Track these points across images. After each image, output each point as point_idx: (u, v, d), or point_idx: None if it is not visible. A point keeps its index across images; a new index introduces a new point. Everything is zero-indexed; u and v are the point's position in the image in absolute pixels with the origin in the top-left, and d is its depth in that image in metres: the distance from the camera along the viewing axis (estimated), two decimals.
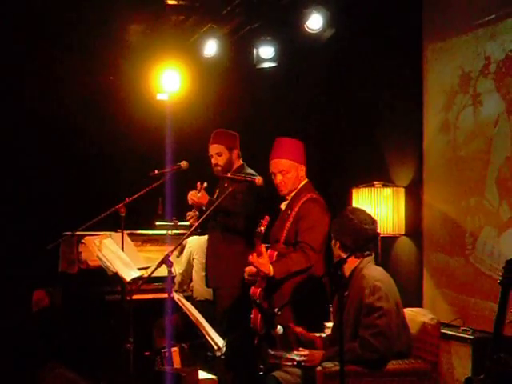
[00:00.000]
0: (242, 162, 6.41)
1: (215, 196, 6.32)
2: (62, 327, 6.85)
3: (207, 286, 6.42)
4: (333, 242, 4.94)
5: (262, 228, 5.33)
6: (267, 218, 5.41)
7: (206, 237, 6.79)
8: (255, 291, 5.43)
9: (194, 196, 6.15)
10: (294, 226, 5.47)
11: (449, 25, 6.22)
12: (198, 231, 6.64)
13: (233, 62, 7.82)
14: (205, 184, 6.18)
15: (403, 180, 6.64)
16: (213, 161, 6.35)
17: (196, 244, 6.78)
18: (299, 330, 5.01)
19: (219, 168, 6.31)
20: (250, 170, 6.30)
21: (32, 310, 7.15)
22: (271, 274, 5.32)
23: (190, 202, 6.25)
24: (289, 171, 5.58)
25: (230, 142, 6.37)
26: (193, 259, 6.80)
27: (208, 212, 5.85)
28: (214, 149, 6.36)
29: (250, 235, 5.76)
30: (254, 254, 5.34)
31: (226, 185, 6.18)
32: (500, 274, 4.20)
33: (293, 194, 5.61)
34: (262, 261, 5.33)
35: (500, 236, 5.66)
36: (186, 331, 6.02)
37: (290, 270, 5.37)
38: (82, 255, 6.86)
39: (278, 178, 5.60)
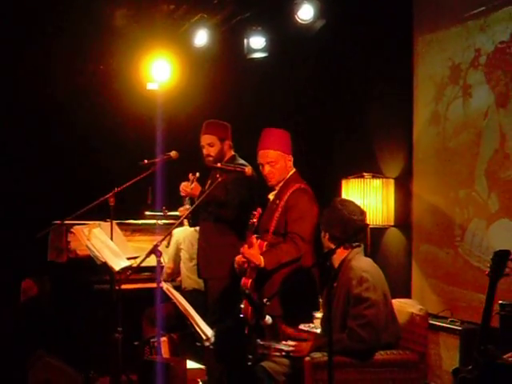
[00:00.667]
0: (233, 153, 6.39)
1: (206, 186, 6.31)
2: (51, 316, 6.84)
3: (199, 276, 6.41)
4: (322, 233, 4.94)
5: (255, 220, 5.35)
6: (259, 210, 5.42)
7: (193, 228, 6.79)
8: (246, 282, 5.44)
9: (187, 187, 6.13)
10: (283, 216, 5.47)
11: (439, 16, 6.23)
12: (190, 222, 6.65)
13: (223, 51, 7.81)
14: (197, 175, 6.16)
15: (393, 171, 6.65)
16: (204, 151, 6.33)
17: (182, 235, 6.76)
18: (290, 331, 5.01)
19: (211, 159, 6.28)
20: (241, 161, 6.28)
21: (20, 299, 7.14)
22: (262, 264, 5.32)
23: (182, 194, 6.24)
24: (277, 162, 5.59)
25: (221, 133, 6.35)
26: (180, 250, 6.80)
27: (198, 202, 5.86)
28: (205, 139, 6.33)
29: (242, 226, 5.76)
30: (246, 246, 5.35)
31: (217, 175, 6.16)
32: (488, 265, 4.22)
33: (281, 184, 5.61)
34: (253, 252, 5.34)
35: (488, 228, 5.68)
36: (177, 321, 6.04)
37: (281, 260, 5.38)
38: (70, 244, 6.85)
39: (266, 169, 5.61)
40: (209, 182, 6.37)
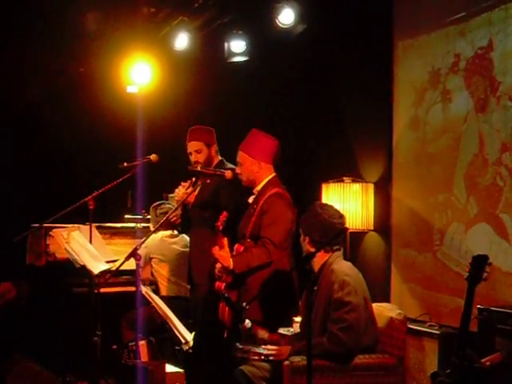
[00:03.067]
0: (220, 158, 6.33)
1: (196, 192, 6.25)
2: (29, 320, 6.80)
3: (190, 282, 6.33)
4: (302, 237, 4.93)
5: (219, 224, 5.34)
6: (225, 213, 5.41)
7: (160, 235, 6.74)
8: (220, 286, 5.43)
9: (181, 191, 6.06)
10: (258, 220, 5.45)
11: (419, 22, 6.25)
12: (179, 230, 6.64)
13: (204, 55, 7.80)
14: (193, 179, 6.08)
15: (372, 176, 6.67)
16: (192, 158, 6.22)
17: (151, 244, 6.71)
18: (262, 333, 5.01)
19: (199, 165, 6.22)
20: (230, 165, 6.20)
21: None
22: (231, 267, 5.30)
23: (176, 198, 6.17)
24: (243, 164, 5.58)
25: (208, 138, 6.27)
26: (150, 259, 6.75)
27: (180, 203, 5.85)
28: (192, 146, 6.23)
29: (236, 229, 5.74)
30: (217, 247, 5.33)
31: (208, 181, 6.09)
32: (466, 269, 4.23)
33: (259, 188, 5.59)
34: (223, 254, 5.31)
35: (467, 232, 5.70)
36: (156, 325, 6.02)
37: (250, 264, 5.33)
38: (49, 247, 6.83)
39: (237, 168, 5.65)
40: (199, 186, 6.31)
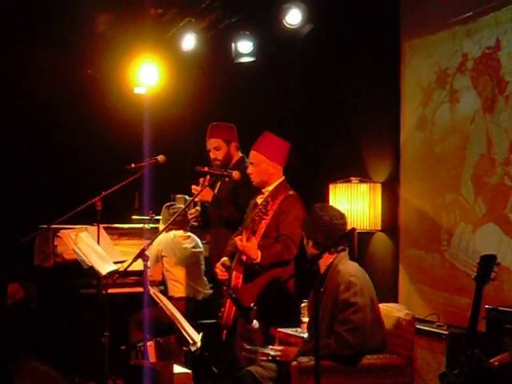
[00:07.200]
0: (241, 155, 6.31)
1: (216, 190, 6.24)
2: (37, 321, 6.81)
3: (212, 281, 6.32)
4: (305, 241, 4.93)
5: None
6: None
7: (172, 234, 6.72)
8: (236, 284, 5.43)
9: (196, 190, 6.04)
10: (274, 220, 5.47)
11: (426, 21, 6.24)
12: (200, 225, 6.65)
13: (211, 56, 7.81)
14: (208, 177, 6.05)
15: (380, 176, 6.66)
16: (211, 155, 6.24)
17: (164, 242, 6.71)
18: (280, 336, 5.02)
19: (218, 162, 6.19)
20: None
21: (7, 304, 7.11)
22: (258, 259, 5.32)
23: (195, 198, 6.16)
24: (257, 164, 5.61)
25: (227, 135, 6.27)
26: (162, 257, 6.75)
27: (187, 205, 5.87)
28: (211, 143, 6.25)
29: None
30: (243, 239, 5.33)
31: (226, 179, 6.09)
32: (474, 269, 4.23)
33: (270, 188, 5.61)
34: (251, 245, 5.33)
35: (475, 232, 5.69)
36: (164, 325, 6.02)
37: (273, 259, 5.40)
38: (57, 248, 6.83)
39: (249, 169, 5.68)
40: (218, 185, 6.31)
